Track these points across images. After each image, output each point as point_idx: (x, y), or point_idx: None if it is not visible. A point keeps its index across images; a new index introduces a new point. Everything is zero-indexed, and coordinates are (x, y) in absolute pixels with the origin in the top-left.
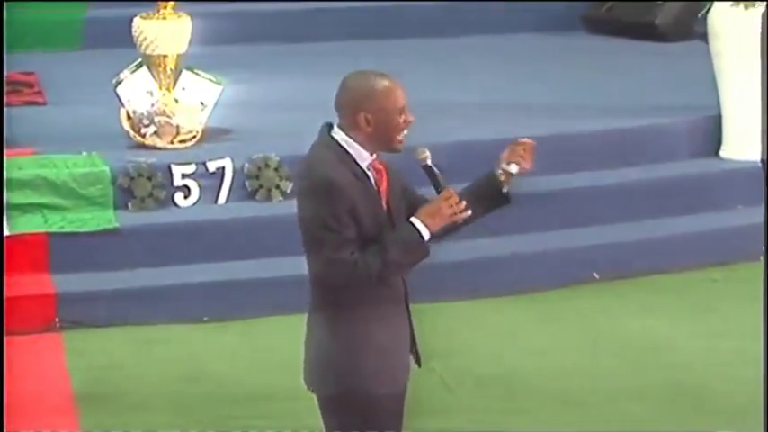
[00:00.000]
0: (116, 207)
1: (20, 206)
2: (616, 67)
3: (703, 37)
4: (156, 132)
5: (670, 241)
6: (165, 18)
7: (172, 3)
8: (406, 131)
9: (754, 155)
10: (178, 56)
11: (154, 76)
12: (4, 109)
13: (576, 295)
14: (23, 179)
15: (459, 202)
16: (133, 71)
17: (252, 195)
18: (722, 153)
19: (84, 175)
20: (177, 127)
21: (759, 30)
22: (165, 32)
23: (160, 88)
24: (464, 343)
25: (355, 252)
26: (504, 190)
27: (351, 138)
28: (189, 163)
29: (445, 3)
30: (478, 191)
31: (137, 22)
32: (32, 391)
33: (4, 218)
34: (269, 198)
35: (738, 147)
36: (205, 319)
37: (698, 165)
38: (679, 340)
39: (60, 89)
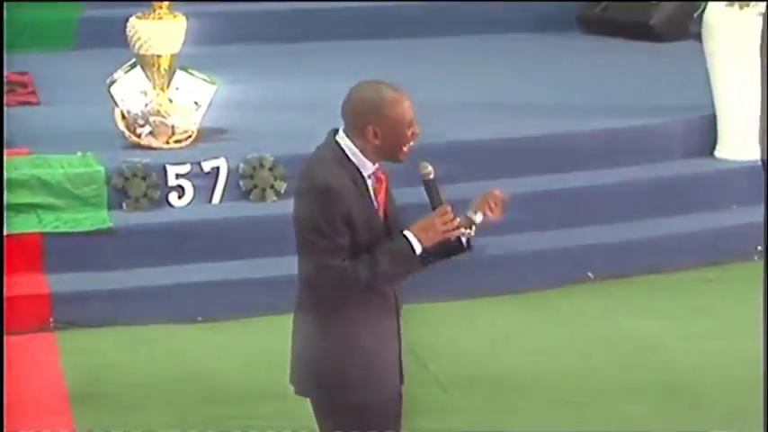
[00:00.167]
0: (110, 207)
1: (14, 206)
2: (611, 67)
3: (698, 37)
4: (151, 132)
5: (665, 241)
6: (160, 18)
7: (167, 3)
8: (412, 143)
9: (749, 155)
10: (172, 56)
11: (147, 76)
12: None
13: (571, 295)
14: (18, 179)
15: (454, 219)
16: (127, 71)
17: (246, 195)
18: (717, 153)
19: (78, 176)
20: (172, 127)
21: (758, 29)
22: (159, 32)
23: (154, 88)
24: (459, 343)
25: (346, 259)
26: (463, 238)
27: (356, 145)
28: (183, 163)
29: (441, 3)
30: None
31: (132, 21)
32: (27, 391)
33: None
34: (263, 198)
35: (733, 146)
36: (199, 318)
37: (693, 164)
38: (674, 340)
39: (54, 89)
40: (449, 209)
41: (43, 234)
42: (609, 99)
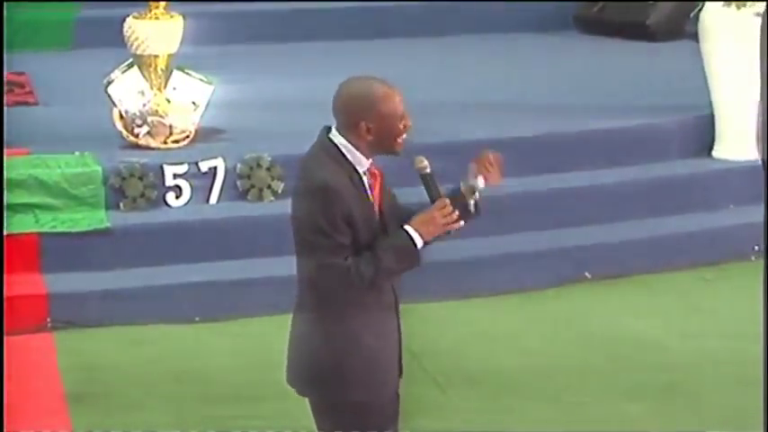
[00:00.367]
0: (108, 207)
1: (12, 206)
2: (608, 66)
3: (695, 37)
4: (149, 132)
5: (662, 241)
6: (157, 18)
7: (164, 3)
8: (405, 135)
9: (747, 154)
10: (169, 56)
11: (145, 76)
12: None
13: (568, 295)
14: (15, 179)
15: (453, 212)
16: (124, 71)
17: (243, 195)
18: (714, 153)
19: (75, 176)
20: (170, 127)
21: (755, 29)
22: (156, 32)
23: (151, 88)
24: (456, 342)
25: (349, 257)
26: (472, 204)
27: (349, 142)
28: (181, 163)
29: (441, 3)
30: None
31: (129, 21)
32: (24, 391)
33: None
34: (260, 198)
35: (731, 146)
36: (197, 318)
37: (690, 164)
38: (671, 340)
39: (52, 89)
40: (448, 201)
41: (41, 234)
42: (605, 99)
